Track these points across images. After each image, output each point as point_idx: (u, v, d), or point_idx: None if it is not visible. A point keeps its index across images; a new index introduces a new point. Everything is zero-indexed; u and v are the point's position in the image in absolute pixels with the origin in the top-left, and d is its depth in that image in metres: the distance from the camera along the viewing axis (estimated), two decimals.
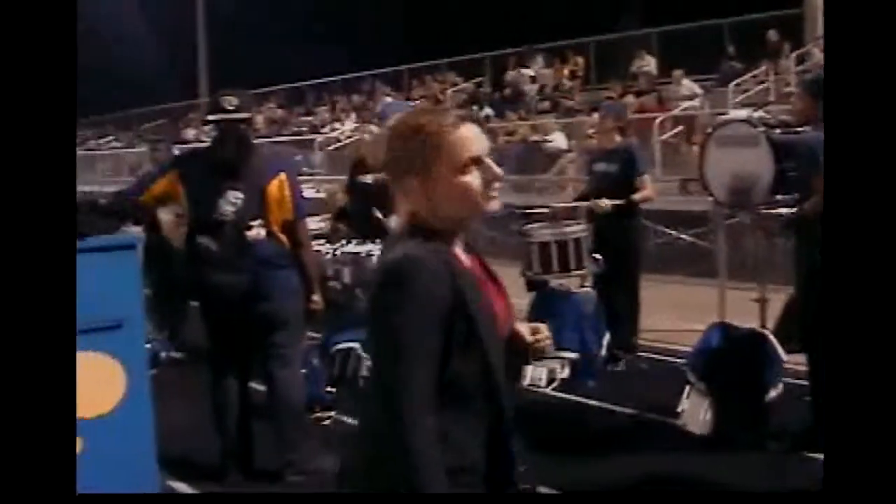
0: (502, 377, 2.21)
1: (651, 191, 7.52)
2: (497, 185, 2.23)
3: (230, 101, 5.10)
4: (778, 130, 5.71)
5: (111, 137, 33.75)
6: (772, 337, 5.66)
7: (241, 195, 5.00)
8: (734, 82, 16.54)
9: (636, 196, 7.34)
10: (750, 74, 17.04)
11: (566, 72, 21.02)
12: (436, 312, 2.09)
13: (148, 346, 5.81)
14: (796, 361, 5.68)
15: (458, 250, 2.27)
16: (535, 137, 16.85)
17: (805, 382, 5.49)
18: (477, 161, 2.21)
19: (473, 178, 2.19)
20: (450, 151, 2.19)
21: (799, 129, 5.54)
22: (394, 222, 7.76)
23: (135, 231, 5.20)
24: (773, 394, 5.53)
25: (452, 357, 2.12)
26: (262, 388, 5.40)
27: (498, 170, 2.24)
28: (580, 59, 21.29)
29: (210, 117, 5.25)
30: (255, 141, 5.33)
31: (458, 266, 2.18)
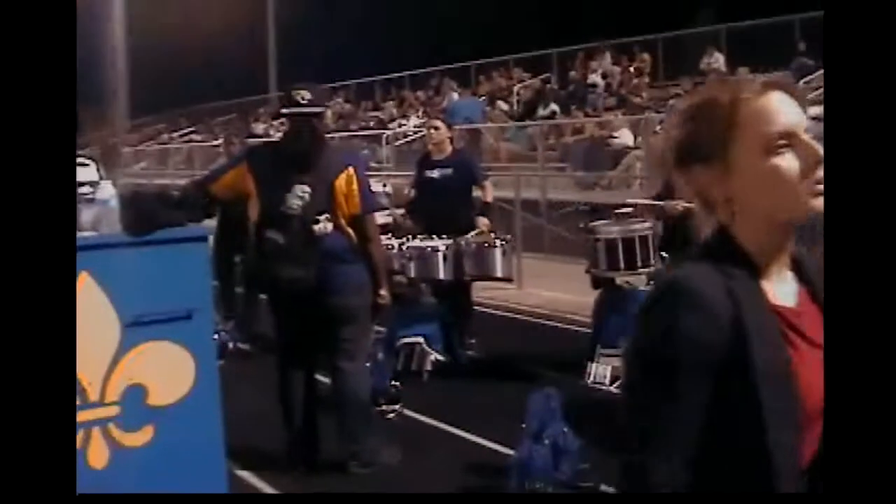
0: (794, 460, 1.61)
1: None
2: (820, 172, 1.58)
3: (304, 96, 5.15)
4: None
5: (184, 131, 34.27)
6: None
7: (308, 189, 5.05)
8: (805, 79, 16.28)
9: None
10: (821, 71, 16.76)
11: (633, 68, 20.86)
12: (696, 361, 1.57)
13: (216, 337, 5.90)
14: None
15: (773, 282, 1.67)
16: (602, 134, 16.75)
17: None
18: (790, 137, 1.61)
19: (787, 161, 1.60)
20: (750, 126, 1.62)
21: None
22: (482, 221, 7.73)
23: (205, 223, 5.28)
24: None
25: (719, 422, 1.59)
26: (327, 380, 5.46)
27: (819, 148, 1.59)
28: (647, 56, 21.12)
29: (283, 111, 5.30)
30: (326, 135, 5.39)
31: (754, 303, 1.61)
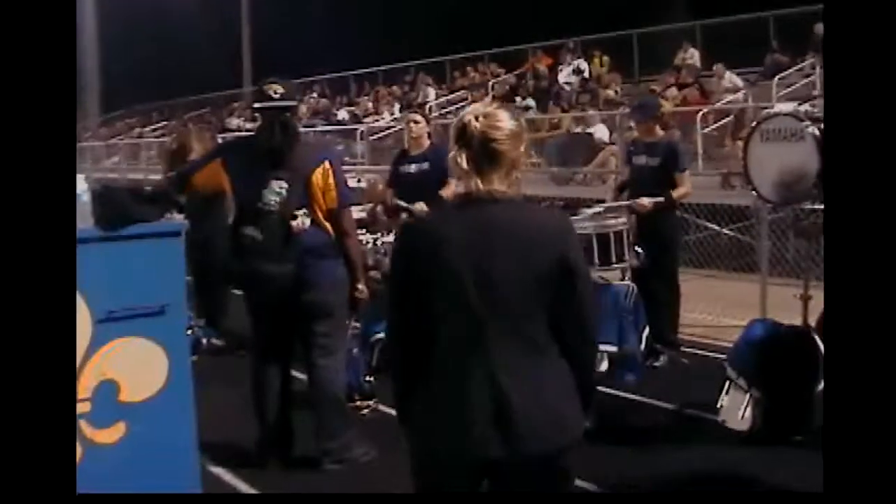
0: None
1: (688, 187, 7.45)
2: None
3: (276, 90, 5.12)
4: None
5: (156, 125, 34.04)
6: (814, 333, 5.60)
7: (285, 184, 5.01)
8: (779, 76, 16.36)
9: (675, 193, 7.26)
10: (795, 68, 16.85)
11: (607, 63, 20.92)
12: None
13: (189, 332, 5.86)
14: None
15: None
16: (577, 129, 16.77)
17: None
18: None
19: None
20: None
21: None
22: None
23: (178, 218, 5.25)
24: (814, 391, 5.46)
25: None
26: (302, 376, 5.43)
27: None
28: (621, 52, 21.19)
29: (256, 105, 5.27)
30: (299, 129, 5.35)
31: None
